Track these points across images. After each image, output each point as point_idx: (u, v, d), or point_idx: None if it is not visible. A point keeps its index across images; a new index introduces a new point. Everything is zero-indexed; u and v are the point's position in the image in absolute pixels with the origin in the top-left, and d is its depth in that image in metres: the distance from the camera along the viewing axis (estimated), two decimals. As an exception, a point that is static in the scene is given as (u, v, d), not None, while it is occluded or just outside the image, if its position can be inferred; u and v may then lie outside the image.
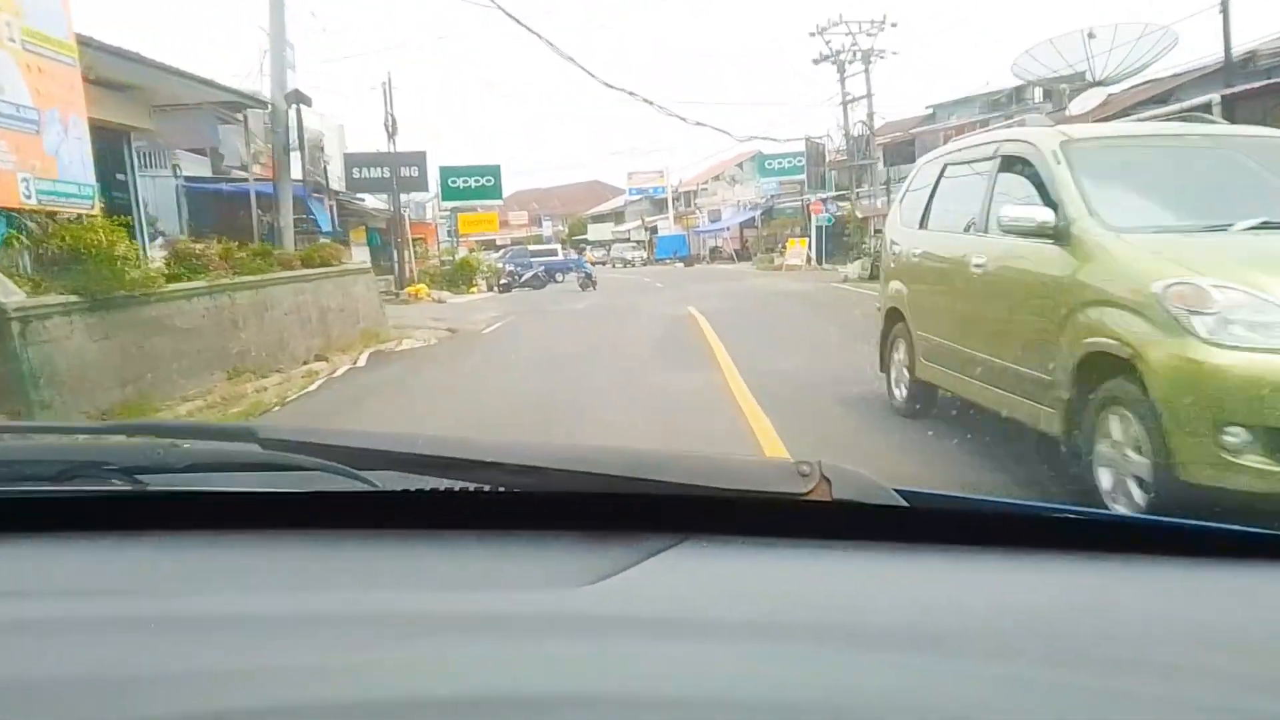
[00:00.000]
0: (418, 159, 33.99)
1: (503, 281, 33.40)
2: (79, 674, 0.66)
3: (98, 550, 0.89)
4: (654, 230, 64.72)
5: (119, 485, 0.92)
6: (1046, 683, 0.64)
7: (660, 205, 70.79)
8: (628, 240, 66.13)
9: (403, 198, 36.60)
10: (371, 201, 34.43)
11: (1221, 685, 0.64)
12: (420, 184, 34.05)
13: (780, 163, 45.15)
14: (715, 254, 54.46)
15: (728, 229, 51.92)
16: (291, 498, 0.93)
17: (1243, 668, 0.66)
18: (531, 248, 46.06)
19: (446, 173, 40.83)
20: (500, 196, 41.57)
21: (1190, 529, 0.85)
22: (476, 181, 41.24)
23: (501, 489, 0.89)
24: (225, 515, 0.91)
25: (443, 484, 0.89)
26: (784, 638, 0.70)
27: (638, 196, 65.92)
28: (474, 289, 33.36)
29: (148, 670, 0.66)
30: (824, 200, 37.65)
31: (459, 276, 34.09)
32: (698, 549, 0.83)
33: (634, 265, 57.22)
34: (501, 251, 47.93)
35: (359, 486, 0.89)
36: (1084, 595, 0.77)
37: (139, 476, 0.92)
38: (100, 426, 1.35)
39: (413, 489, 0.89)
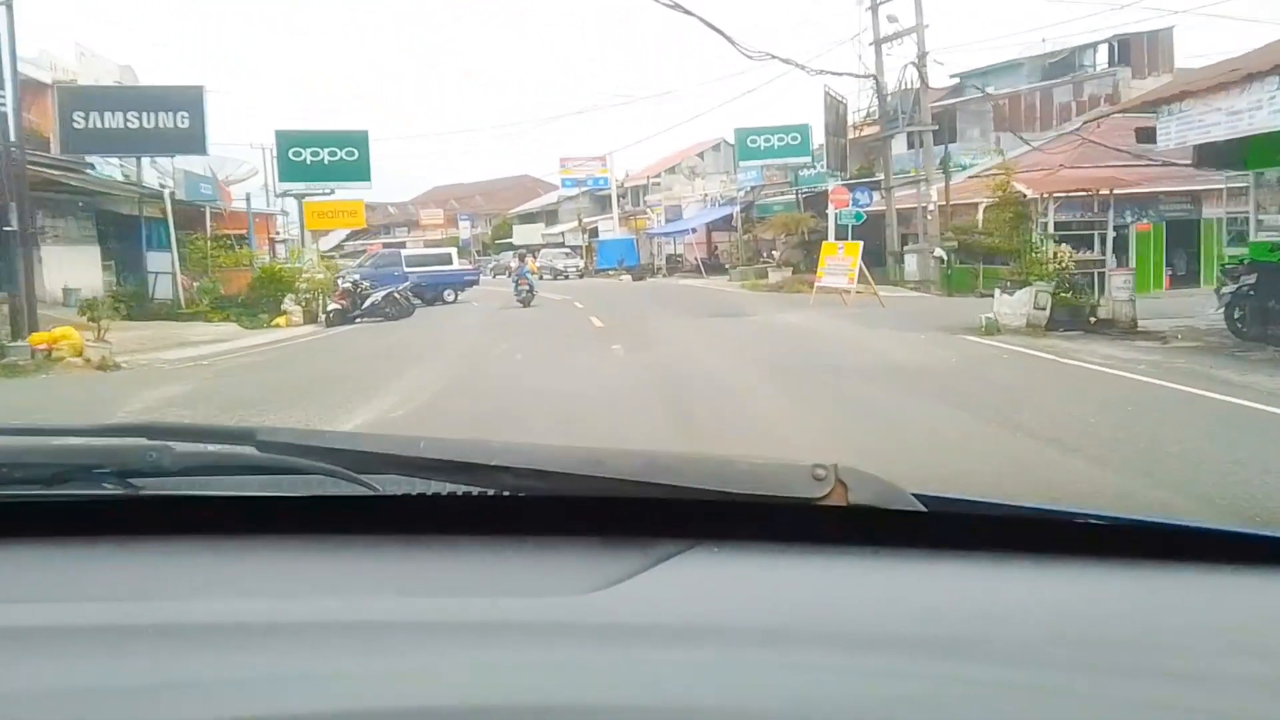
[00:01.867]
0: (189, 101, 20.37)
1: (332, 307, 19.75)
2: (70, 682, 0.65)
3: (91, 555, 0.87)
4: (594, 233, 51.69)
5: (111, 489, 0.90)
6: (1074, 692, 0.63)
7: (603, 202, 57.83)
8: (561, 245, 53.06)
9: (178, 169, 22.41)
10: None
11: (1256, 693, 0.63)
12: (192, 143, 20.50)
13: (771, 140, 32.33)
14: (674, 264, 41.72)
15: (692, 231, 39.30)
16: (290, 502, 0.91)
17: (1276, 676, 0.66)
18: (412, 252, 32.23)
19: (286, 141, 27.27)
20: (368, 177, 28.25)
21: (1222, 535, 0.85)
22: (331, 155, 27.80)
23: (507, 493, 0.88)
24: (222, 520, 0.90)
25: (446, 488, 0.87)
26: (800, 645, 0.69)
27: (573, 190, 52.78)
28: (282, 320, 19.67)
29: (143, 679, 0.65)
30: (849, 186, 25.08)
31: (262, 296, 20.38)
32: (710, 554, 0.82)
33: (567, 276, 44.20)
34: (363, 258, 34.58)
35: (360, 490, 0.88)
36: (1112, 602, 0.76)
37: (132, 480, 0.90)
38: (92, 428, 1.10)
39: (415, 493, 0.88)
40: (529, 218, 66.98)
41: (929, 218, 23.18)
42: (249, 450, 0.92)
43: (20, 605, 0.76)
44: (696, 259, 38.56)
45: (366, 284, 21.05)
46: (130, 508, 0.91)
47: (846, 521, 0.82)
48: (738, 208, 35.73)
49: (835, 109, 25.28)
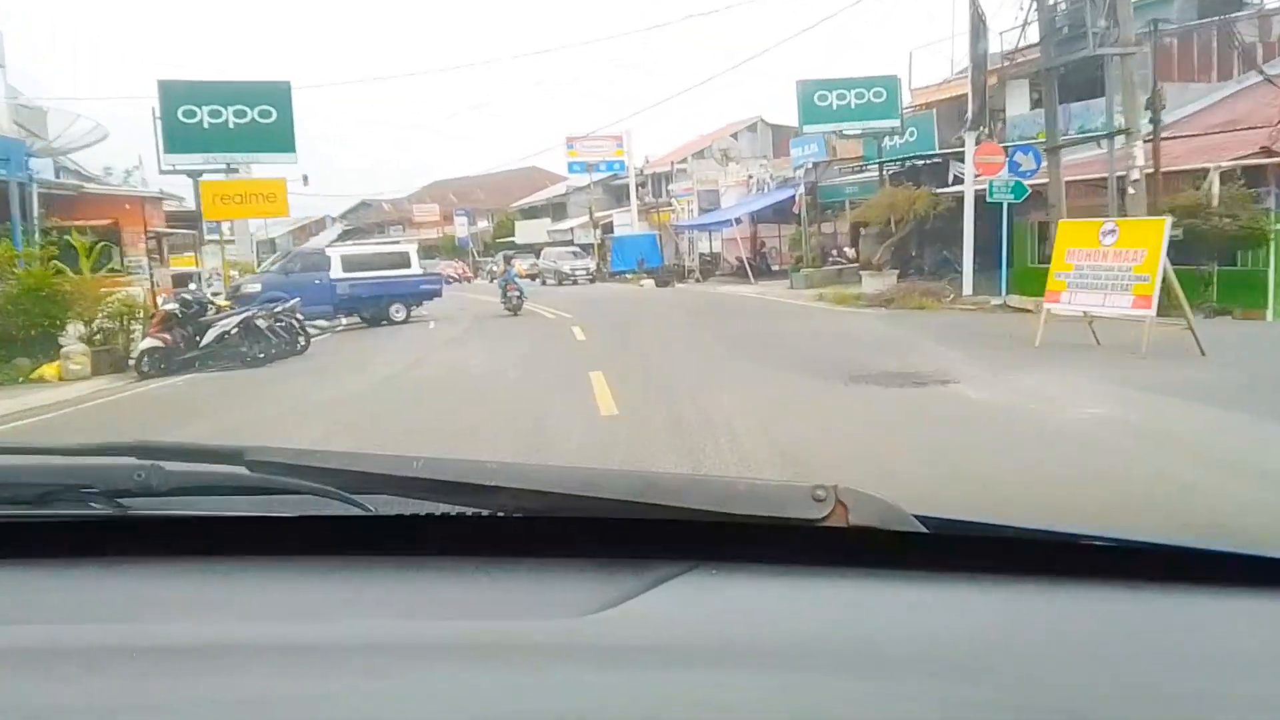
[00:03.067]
0: None
1: (147, 345, 11.24)
2: (57, 704, 0.64)
3: (77, 577, 0.87)
4: (608, 229, 43.27)
5: (100, 509, 0.89)
6: (1075, 713, 0.63)
7: (618, 194, 49.48)
8: (569, 243, 44.71)
9: None
10: None
11: (1258, 715, 0.63)
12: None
13: (847, 98, 23.68)
14: (710, 265, 33.07)
15: (735, 223, 30.44)
16: (281, 522, 0.90)
17: (1276, 696, 0.65)
18: (348, 250, 23.64)
19: (171, 96, 19.03)
20: (292, 147, 19.96)
21: (1224, 557, 0.83)
22: (239, 117, 19.56)
23: (503, 514, 0.87)
24: (211, 540, 0.89)
25: (441, 508, 0.87)
26: (799, 668, 0.68)
27: (584, 178, 44.27)
28: (51, 369, 11.25)
29: (130, 700, 0.64)
30: (1007, 146, 16.49)
31: (26, 326, 11.91)
32: (709, 576, 0.82)
33: (575, 280, 35.81)
34: (271, 260, 26.30)
35: (353, 511, 0.87)
36: (1114, 624, 0.75)
37: (120, 500, 0.89)
38: (80, 447, 1.10)
39: (409, 514, 0.87)
40: (533, 212, 58.55)
41: (1132, 192, 14.52)
42: (240, 470, 0.91)
43: (7, 626, 0.76)
44: (742, 258, 30.03)
45: (215, 305, 12.60)
46: (118, 528, 0.90)
47: (847, 543, 0.81)
48: (800, 189, 27.05)
49: (977, 24, 16.54)
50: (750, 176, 33.23)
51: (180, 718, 0.62)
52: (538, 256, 40.38)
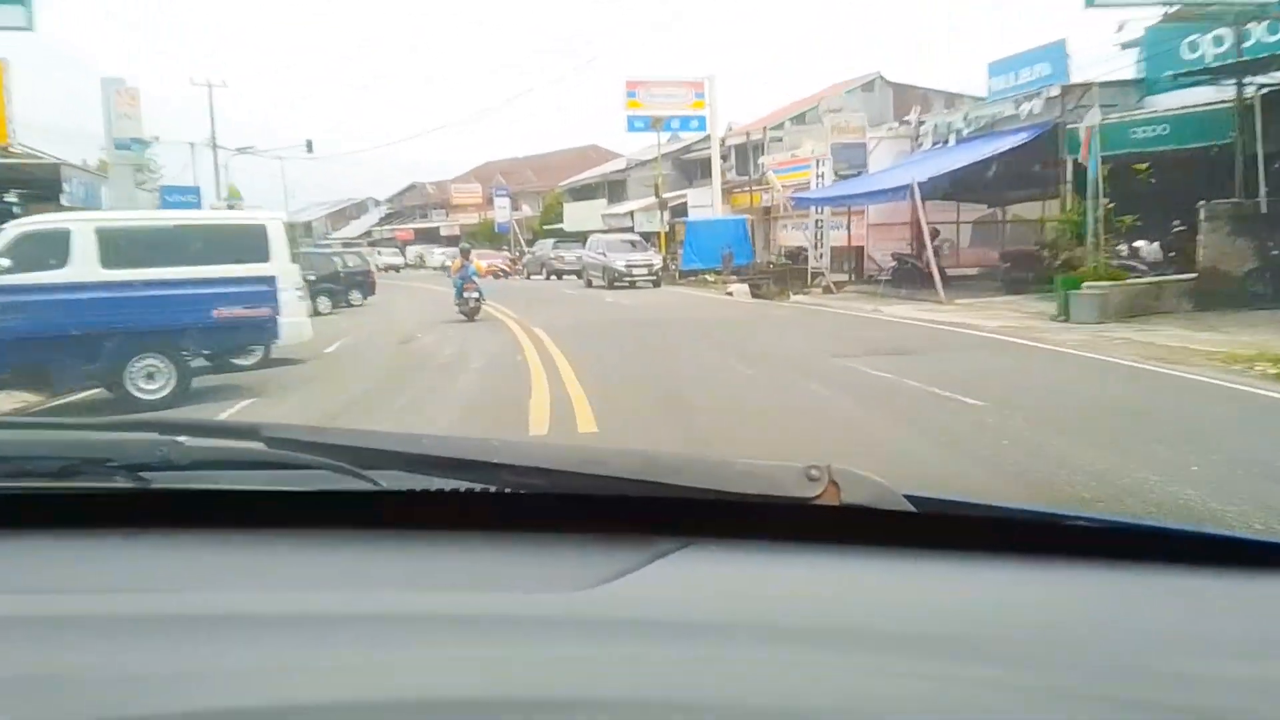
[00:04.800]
0: None
1: None
2: (82, 671, 0.66)
3: (100, 548, 0.89)
4: (678, 212, 31.67)
5: (122, 482, 0.91)
6: (1063, 692, 0.64)
7: (690, 170, 38.01)
8: (628, 229, 33.34)
9: None
10: None
11: (1242, 695, 0.64)
12: None
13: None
14: (845, 261, 20.80)
15: (902, 194, 17.67)
16: (295, 497, 0.93)
17: (1262, 677, 0.66)
18: (115, 220, 11.90)
19: None
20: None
21: (1210, 538, 0.86)
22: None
23: (507, 490, 0.89)
24: (229, 513, 0.92)
25: (448, 484, 0.89)
26: (792, 642, 0.70)
27: (646, 139, 32.76)
28: None
29: (152, 668, 0.66)
30: None
31: None
32: (705, 552, 0.83)
33: (632, 282, 24.47)
34: None
35: (364, 486, 0.89)
36: (1102, 603, 0.77)
37: (142, 474, 0.92)
38: (102, 422, 1.23)
39: (418, 489, 0.89)
40: (584, 192, 47.03)
41: None
42: (257, 445, 0.93)
43: (31, 595, 0.78)
44: (909, 256, 18.12)
45: None
46: (140, 501, 0.93)
47: (839, 521, 0.83)
48: (1037, 132, 14.91)
49: None
50: (916, 123, 21.14)
51: (197, 685, 0.63)
52: (585, 247, 29.03)
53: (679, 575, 0.80)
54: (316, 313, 19.26)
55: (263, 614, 0.74)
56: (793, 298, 19.09)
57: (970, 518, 0.87)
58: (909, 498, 0.83)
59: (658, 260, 26.07)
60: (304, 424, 0.98)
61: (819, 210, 20.30)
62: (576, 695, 0.63)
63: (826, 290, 19.45)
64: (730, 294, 22.07)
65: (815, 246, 20.26)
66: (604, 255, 25.73)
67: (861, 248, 20.76)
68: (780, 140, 31.07)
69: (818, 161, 19.97)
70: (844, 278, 20.02)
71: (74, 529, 0.90)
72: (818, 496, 0.81)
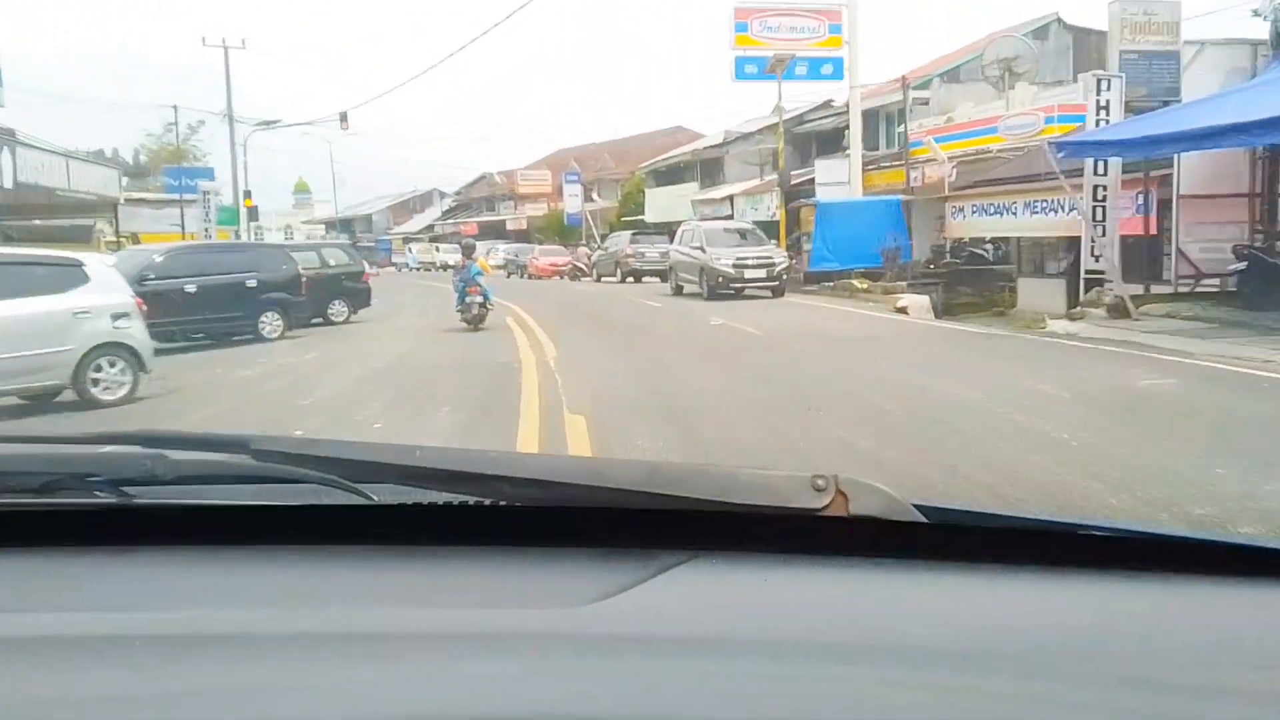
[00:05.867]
0: None
1: None
2: (67, 692, 0.65)
3: (84, 565, 0.87)
4: (791, 196, 23.26)
5: (105, 498, 0.90)
6: (1076, 704, 0.63)
7: (804, 145, 29.73)
8: (727, 217, 25.34)
9: None
10: None
11: (1258, 706, 0.64)
12: None
13: None
14: (1142, 254, 12.19)
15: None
16: (285, 511, 0.91)
17: (1277, 689, 0.65)
18: None
19: None
20: None
21: (1224, 547, 0.84)
22: None
23: (504, 503, 0.87)
24: (216, 529, 0.90)
25: (444, 497, 0.87)
26: (800, 657, 0.69)
27: (741, 113, 24.76)
28: None
29: (138, 688, 0.65)
30: None
31: None
32: (709, 565, 0.82)
33: (739, 288, 16.58)
34: None
35: (356, 500, 0.88)
36: (1114, 615, 0.76)
37: (126, 489, 0.90)
38: (85, 436, 1.16)
39: (411, 502, 0.87)
40: (670, 175, 38.81)
41: None
42: (245, 459, 0.91)
43: (12, 615, 0.76)
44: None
45: None
46: (124, 517, 0.91)
47: (847, 532, 0.82)
48: None
49: None
50: (1273, 12, 12.31)
51: (185, 706, 0.62)
52: (673, 239, 21.04)
53: (683, 589, 0.78)
54: (260, 337, 12.08)
55: (253, 632, 0.72)
56: (1048, 323, 10.79)
57: (981, 528, 0.85)
58: (918, 507, 0.81)
59: (781, 257, 17.98)
60: (292, 437, 0.96)
61: (1100, 169, 11.45)
62: (578, 713, 0.62)
63: (1115, 311, 10.96)
64: (903, 310, 13.92)
65: (1091, 233, 11.51)
66: (701, 251, 17.78)
67: (1157, 237, 12.00)
68: (926, 104, 23.35)
69: (1099, 84, 11.20)
70: (1137, 288, 11.37)
71: (57, 546, 0.88)
72: (825, 507, 0.79)
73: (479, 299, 12.83)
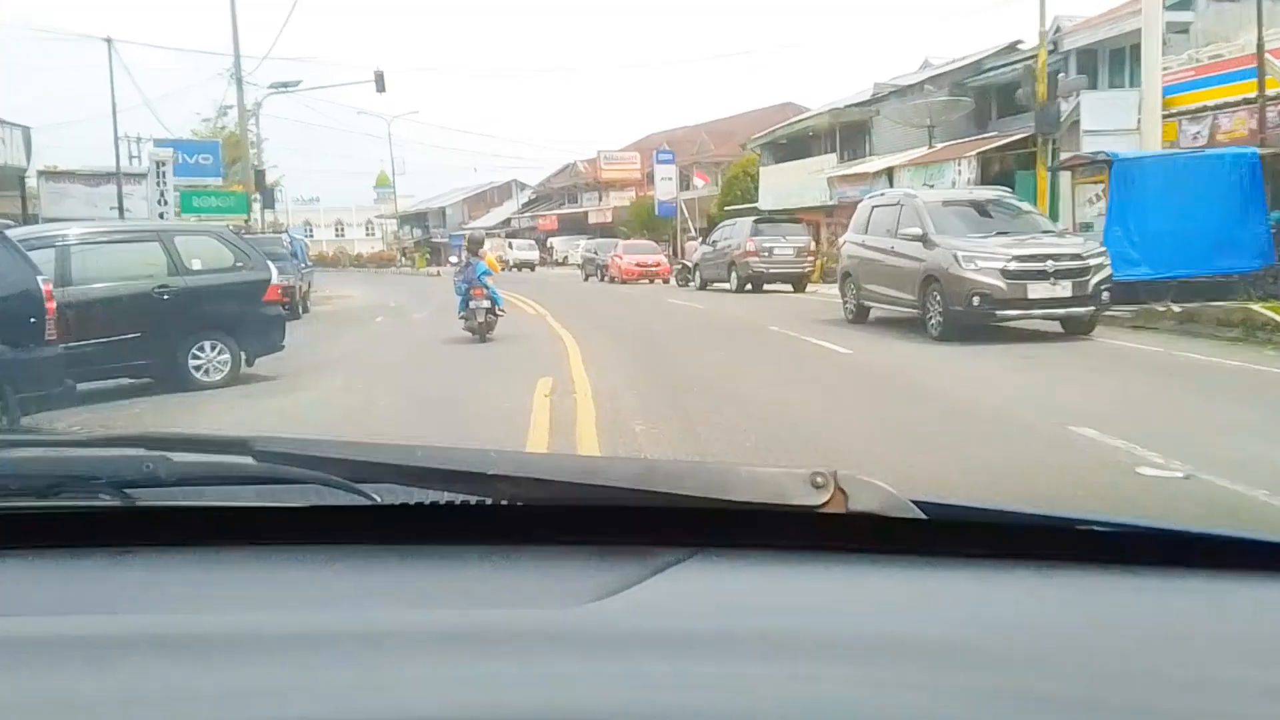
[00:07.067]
0: None
1: None
2: (64, 693, 0.65)
3: (86, 567, 0.88)
4: (999, 169, 14.57)
5: (107, 500, 0.90)
6: (1075, 700, 0.63)
7: (984, 98, 20.63)
8: (880, 195, 16.87)
9: None
10: None
11: (1257, 701, 0.63)
12: None
13: None
14: None
15: None
16: (286, 512, 0.91)
17: (1276, 683, 0.65)
18: None
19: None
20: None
21: (1223, 540, 0.83)
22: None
23: (505, 502, 0.87)
24: (218, 530, 0.91)
25: (444, 497, 0.87)
26: (800, 654, 0.69)
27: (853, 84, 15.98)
28: None
29: (141, 689, 0.65)
30: None
31: None
32: (710, 563, 0.82)
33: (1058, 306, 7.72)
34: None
35: (357, 500, 0.88)
36: (1113, 609, 0.76)
37: (128, 491, 0.90)
38: (87, 438, 1.20)
39: (413, 502, 0.88)
40: (793, 148, 30.12)
41: None
42: (245, 460, 0.92)
43: (15, 617, 0.77)
44: None
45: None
46: (126, 519, 0.92)
47: (846, 529, 0.82)
48: None
49: None
50: None
51: (187, 707, 0.62)
52: (846, 228, 12.88)
53: (682, 587, 0.79)
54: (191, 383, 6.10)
55: (254, 632, 0.72)
56: None
57: (979, 524, 0.85)
58: (917, 503, 0.81)
59: (1096, 256, 9.19)
60: (294, 437, 0.96)
61: None
62: (579, 713, 0.62)
63: None
64: None
65: None
66: (923, 245, 9.50)
67: None
68: (1185, 32, 17.15)
69: None
70: None
71: (59, 548, 0.89)
72: (824, 504, 0.80)
73: (485, 303, 11.11)
